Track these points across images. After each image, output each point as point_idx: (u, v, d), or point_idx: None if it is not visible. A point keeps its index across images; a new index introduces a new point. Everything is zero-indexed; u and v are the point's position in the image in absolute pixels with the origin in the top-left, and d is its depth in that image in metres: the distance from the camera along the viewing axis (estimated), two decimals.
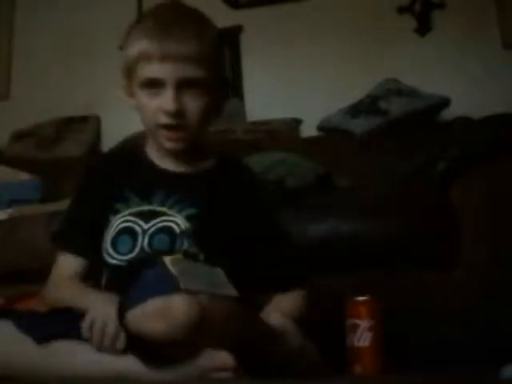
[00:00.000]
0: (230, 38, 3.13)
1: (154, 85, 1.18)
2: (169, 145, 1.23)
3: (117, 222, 1.22)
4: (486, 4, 2.76)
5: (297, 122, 2.79)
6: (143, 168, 1.29)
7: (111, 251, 1.20)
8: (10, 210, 2.02)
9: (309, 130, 2.73)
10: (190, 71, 1.18)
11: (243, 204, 1.26)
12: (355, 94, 2.64)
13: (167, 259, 1.02)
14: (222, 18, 3.12)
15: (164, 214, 1.20)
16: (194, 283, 0.98)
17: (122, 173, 1.29)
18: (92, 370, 1.04)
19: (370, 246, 1.66)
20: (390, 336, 1.20)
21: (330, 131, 2.64)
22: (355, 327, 1.20)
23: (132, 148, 1.36)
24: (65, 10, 3.28)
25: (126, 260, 1.18)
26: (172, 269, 0.99)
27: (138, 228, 1.20)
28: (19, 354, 1.06)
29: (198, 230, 1.19)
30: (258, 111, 2.91)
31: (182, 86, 1.18)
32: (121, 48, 1.23)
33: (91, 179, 1.32)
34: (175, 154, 1.26)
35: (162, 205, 1.21)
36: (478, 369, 1.31)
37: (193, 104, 1.19)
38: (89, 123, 3.06)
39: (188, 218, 1.19)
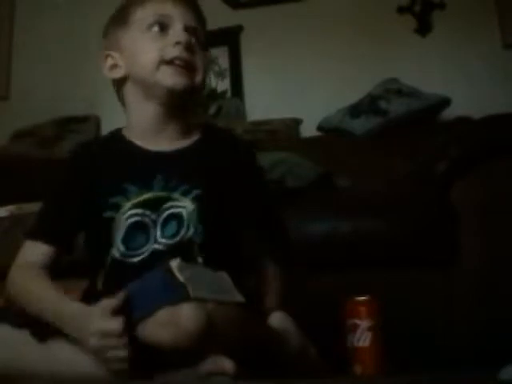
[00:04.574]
0: (230, 38, 3.13)
1: (161, 26, 1.21)
2: (174, 80, 1.19)
3: (123, 218, 1.16)
4: (486, 4, 2.76)
5: (297, 122, 2.79)
6: (130, 154, 1.23)
7: (122, 249, 1.15)
8: (10, 208, 2.02)
9: (309, 130, 2.73)
10: (196, 22, 1.25)
11: (237, 170, 1.24)
12: (355, 94, 2.64)
13: (174, 265, 1.01)
14: (222, 18, 3.13)
15: (169, 198, 1.16)
16: (201, 290, 0.98)
17: (108, 163, 1.23)
18: (93, 370, 1.03)
19: (370, 245, 1.66)
20: (390, 336, 1.20)
21: (329, 131, 2.64)
22: (355, 327, 1.20)
23: (108, 137, 1.33)
24: (65, 9, 3.28)
25: (139, 255, 1.14)
26: (179, 275, 0.98)
27: (148, 220, 1.15)
28: (19, 355, 1.05)
29: (204, 209, 1.16)
30: (258, 111, 2.91)
31: (187, 32, 1.21)
32: None
33: (68, 173, 1.27)
34: (173, 101, 1.21)
35: (164, 189, 1.17)
36: (477, 369, 1.30)
37: (197, 53, 1.22)
38: (89, 123, 3.06)
39: (195, 200, 1.16)
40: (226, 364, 0.97)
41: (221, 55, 3.15)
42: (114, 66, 1.26)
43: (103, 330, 1.00)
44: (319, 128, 2.69)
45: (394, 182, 1.94)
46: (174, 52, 1.19)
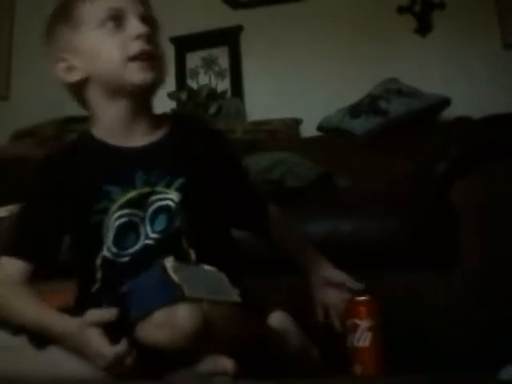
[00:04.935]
0: (230, 38, 3.13)
1: (115, 20, 1.16)
2: (140, 76, 1.15)
3: (112, 220, 1.13)
4: (486, 4, 2.76)
5: (297, 122, 2.79)
6: (104, 154, 1.19)
7: (114, 250, 1.13)
8: (10, 208, 2.02)
9: (309, 130, 2.73)
10: (148, 10, 1.20)
11: (212, 156, 1.23)
12: (355, 94, 2.64)
13: (168, 265, 1.00)
14: (222, 18, 3.14)
15: (153, 192, 1.14)
16: (197, 290, 0.97)
17: (84, 167, 1.19)
18: (92, 375, 1.03)
19: (370, 245, 1.66)
20: (390, 336, 1.20)
21: (329, 131, 2.64)
22: (355, 327, 1.20)
23: (77, 139, 1.29)
24: None
25: (131, 254, 1.13)
26: (174, 276, 0.98)
27: (136, 219, 1.14)
28: (16, 361, 1.05)
29: (189, 198, 1.15)
30: (258, 111, 2.91)
31: (144, 23, 1.17)
32: None
33: (43, 183, 1.21)
34: (142, 96, 1.19)
35: (146, 184, 1.15)
36: (477, 369, 1.30)
37: (156, 43, 1.19)
38: (89, 123, 3.06)
39: (179, 190, 1.15)
40: (227, 364, 0.97)
41: (221, 55, 3.15)
42: (70, 69, 1.22)
43: (106, 356, 1.00)
44: (319, 128, 2.69)
45: (394, 182, 1.93)
46: (136, 47, 1.15)
